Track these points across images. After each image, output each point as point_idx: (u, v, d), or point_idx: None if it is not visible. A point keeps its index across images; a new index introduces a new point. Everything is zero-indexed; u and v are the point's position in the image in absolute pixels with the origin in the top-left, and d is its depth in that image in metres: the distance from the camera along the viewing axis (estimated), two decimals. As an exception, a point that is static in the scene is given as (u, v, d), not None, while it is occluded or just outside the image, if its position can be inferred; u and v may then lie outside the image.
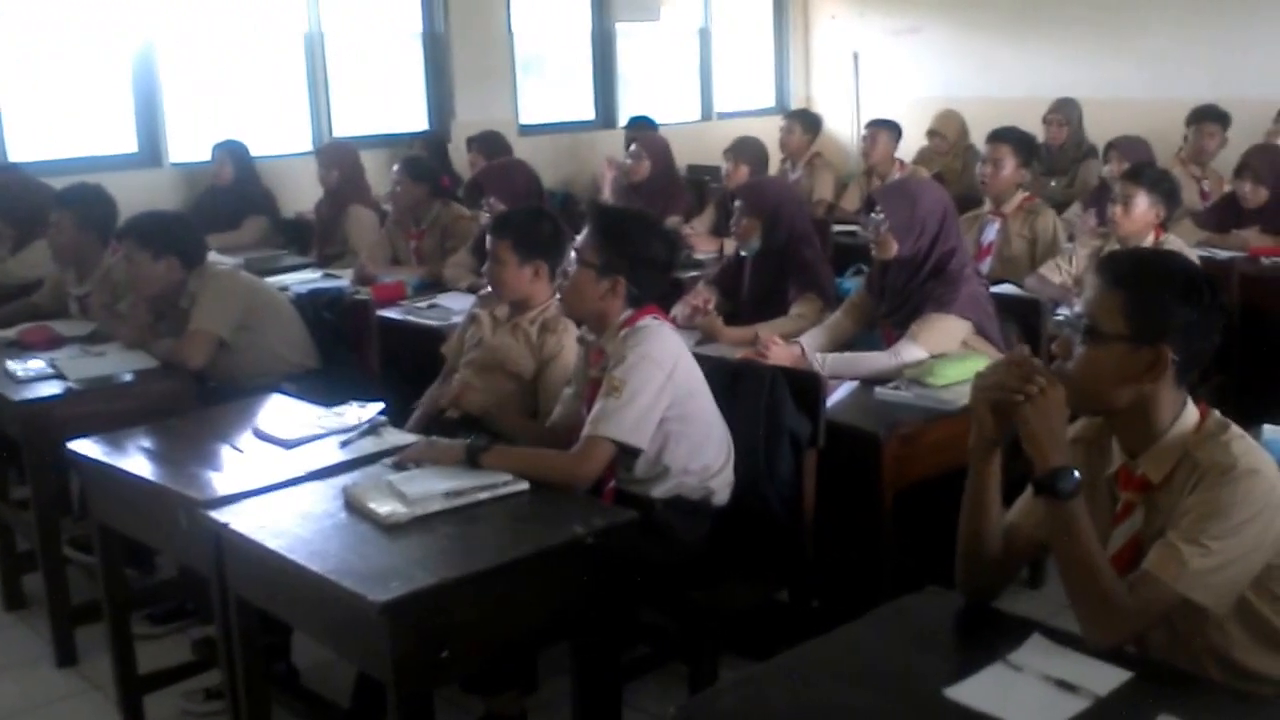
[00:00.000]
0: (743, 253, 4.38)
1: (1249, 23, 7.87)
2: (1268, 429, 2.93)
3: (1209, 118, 6.89)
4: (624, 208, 3.19)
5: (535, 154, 7.18)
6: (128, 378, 4.02)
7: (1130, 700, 1.87)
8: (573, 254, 3.09)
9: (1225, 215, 5.60)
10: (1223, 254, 5.18)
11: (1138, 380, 2.03)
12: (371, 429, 3.19)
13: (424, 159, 6.21)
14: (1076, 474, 2.00)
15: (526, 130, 8.28)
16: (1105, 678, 1.92)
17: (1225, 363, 4.81)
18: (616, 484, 3.01)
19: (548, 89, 8.90)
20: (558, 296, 3.25)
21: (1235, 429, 2.07)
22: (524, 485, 2.75)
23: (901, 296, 3.82)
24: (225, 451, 3.14)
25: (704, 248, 5.78)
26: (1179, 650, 2.08)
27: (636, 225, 3.11)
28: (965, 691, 1.90)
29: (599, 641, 2.65)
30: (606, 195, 6.78)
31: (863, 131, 7.56)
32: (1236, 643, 2.06)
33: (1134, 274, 2.06)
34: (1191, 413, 2.09)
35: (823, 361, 3.67)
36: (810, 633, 2.17)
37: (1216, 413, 2.11)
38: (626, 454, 2.94)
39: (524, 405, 3.53)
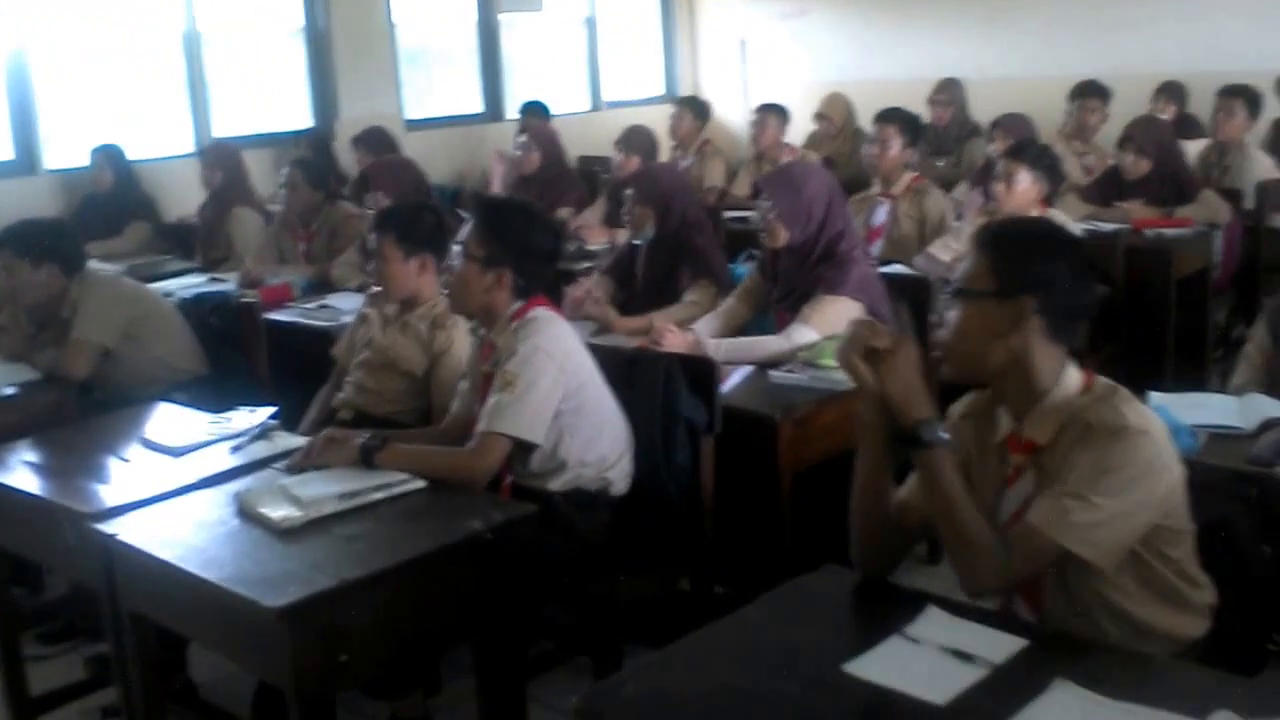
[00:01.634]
0: (636, 241, 4.37)
1: (1129, 5, 8.05)
2: (1154, 396, 3.01)
3: (1090, 94, 7.04)
4: (506, 199, 3.19)
5: (424, 149, 7.11)
6: (9, 390, 3.92)
7: (1026, 667, 1.90)
8: (457, 248, 3.05)
9: (1109, 189, 5.73)
10: (1107, 227, 5.28)
11: (1006, 334, 2.09)
12: (263, 433, 3.14)
13: (317, 162, 6.10)
14: (940, 426, 2.06)
15: (414, 125, 8.19)
16: (1001, 646, 1.95)
17: (1113, 333, 4.92)
18: (513, 479, 2.98)
19: (434, 83, 8.81)
20: (445, 291, 3.22)
21: (1124, 392, 2.12)
22: (420, 483, 2.72)
23: (793, 281, 3.84)
24: (112, 462, 3.06)
25: (597, 238, 5.77)
26: (1076, 608, 2.12)
27: (519, 216, 3.09)
28: (864, 666, 1.92)
29: (501, 638, 2.63)
30: (497, 188, 6.74)
31: (751, 117, 7.60)
32: (1132, 598, 2.11)
33: (998, 235, 2.17)
34: (1074, 375, 2.14)
35: (717, 347, 3.68)
36: (713, 618, 2.17)
37: (1104, 378, 2.16)
38: (522, 448, 2.92)
39: (417, 403, 3.49)
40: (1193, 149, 6.44)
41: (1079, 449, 2.05)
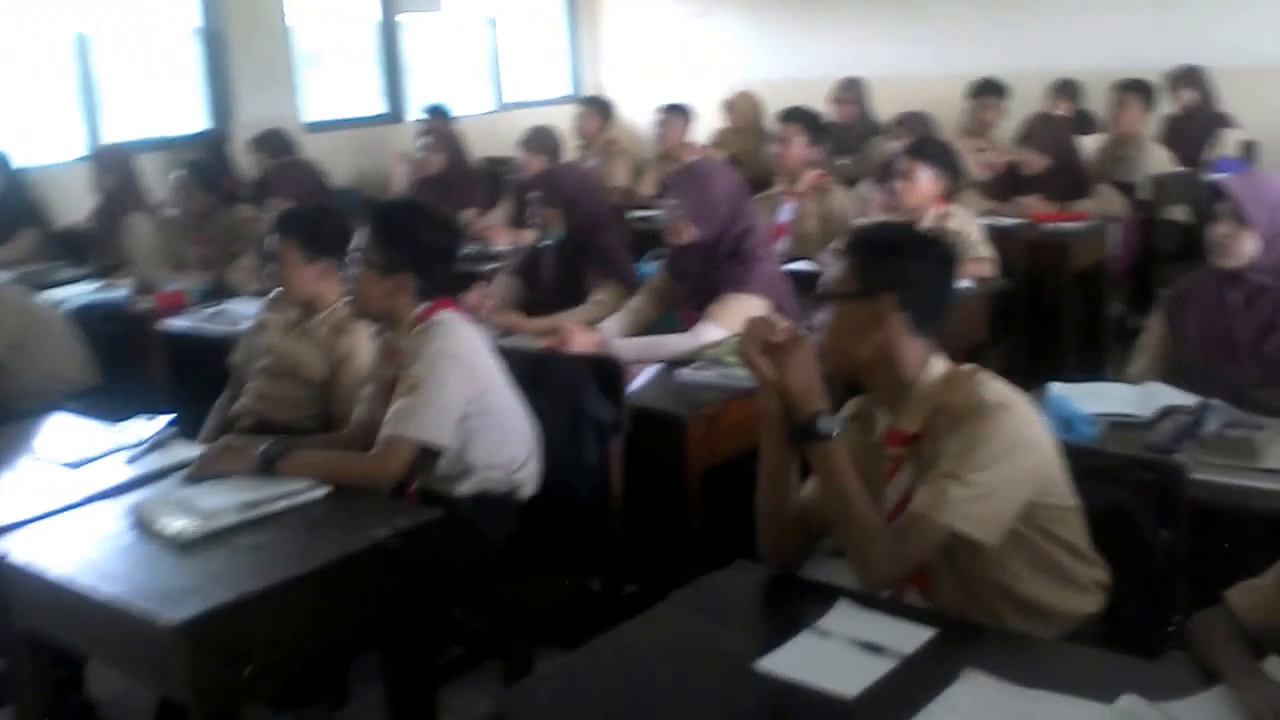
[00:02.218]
0: (544, 243, 4.34)
1: (1027, 2, 8.20)
2: (1054, 386, 3.06)
3: (988, 92, 7.17)
4: (400, 201, 3.15)
5: (324, 151, 7.00)
6: (-111, 406, 3.77)
7: (935, 656, 1.92)
8: (355, 255, 2.99)
9: (1007, 185, 5.82)
10: (1007, 222, 5.36)
11: (870, 331, 2.18)
12: (160, 443, 3.06)
13: (209, 164, 5.97)
14: (834, 419, 2.11)
15: (313, 127, 8.06)
16: (910, 637, 1.96)
17: (1013, 326, 5.00)
18: (419, 484, 2.94)
19: (334, 84, 8.69)
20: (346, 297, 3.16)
21: (984, 374, 2.20)
22: (323, 491, 2.67)
23: (699, 279, 3.84)
24: (2, 477, 2.96)
25: (502, 239, 5.72)
26: (972, 596, 2.16)
27: (415, 218, 3.04)
28: (775, 662, 1.92)
29: (410, 645, 2.59)
30: (399, 191, 6.66)
31: (656, 117, 7.61)
32: (1022, 579, 2.16)
33: (860, 239, 2.29)
34: (938, 364, 2.22)
35: (624, 347, 3.67)
36: (624, 618, 2.16)
37: (967, 365, 2.23)
38: (428, 453, 2.88)
39: (318, 410, 3.43)
40: (1089, 144, 6.58)
41: (946, 433, 2.12)
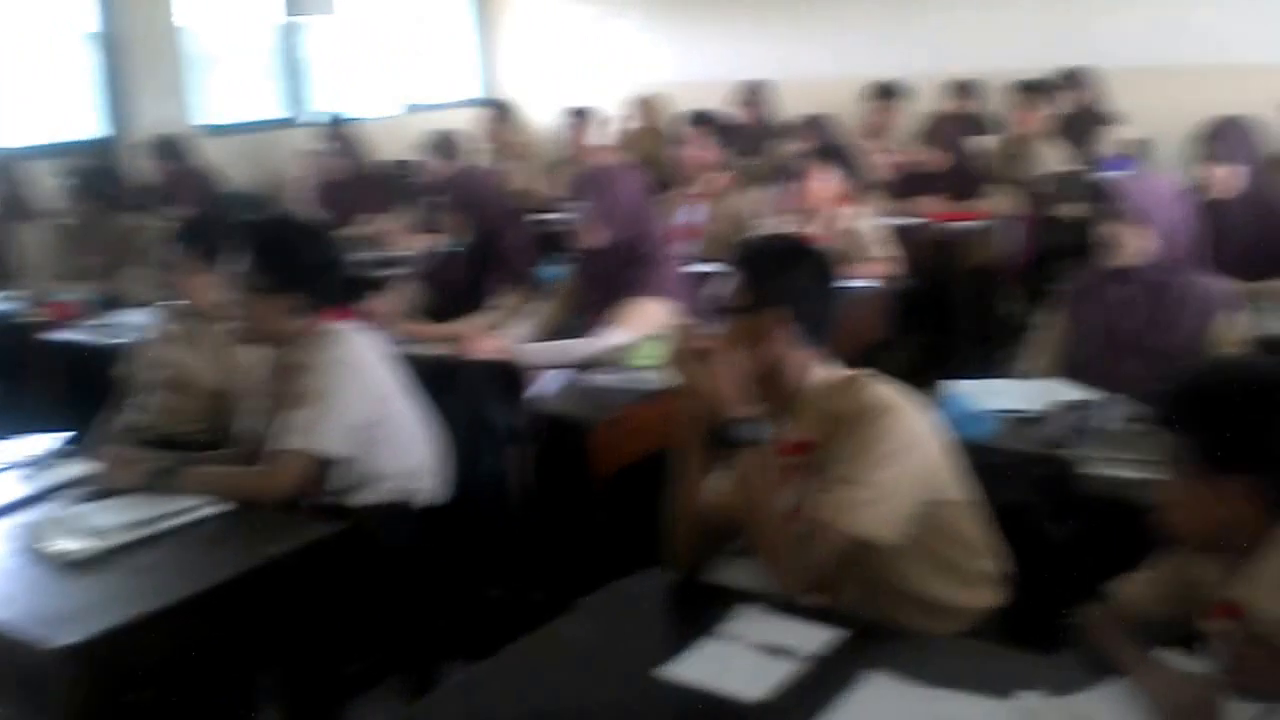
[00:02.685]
0: (452, 247, 4.30)
1: (924, 4, 8.32)
2: (954, 383, 3.10)
3: (885, 93, 7.26)
4: (276, 219, 3.08)
5: (223, 156, 6.90)
6: None
7: (839, 658, 1.93)
8: (237, 279, 2.93)
9: (908, 185, 5.90)
10: (907, 222, 5.43)
11: (765, 342, 2.21)
12: (52, 459, 2.98)
13: (102, 171, 5.83)
14: (755, 425, 2.13)
15: (211, 131, 7.90)
16: (814, 638, 1.97)
17: (914, 324, 5.06)
18: (317, 496, 2.88)
19: (232, 87, 8.54)
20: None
21: (871, 378, 2.24)
22: (218, 507, 2.61)
23: (606, 282, 3.83)
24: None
25: (406, 244, 5.66)
26: (873, 596, 2.19)
27: (293, 235, 2.98)
28: (680, 668, 1.92)
29: (310, 663, 2.55)
30: (302, 196, 6.57)
31: (563, 120, 7.59)
32: (921, 576, 2.20)
33: (747, 252, 2.33)
34: (828, 371, 2.26)
35: (530, 352, 3.64)
36: (532, 626, 2.15)
37: (855, 370, 2.27)
38: (325, 464, 2.83)
39: (217, 422, 3.36)
40: (986, 143, 6.69)
41: (839, 439, 2.16)
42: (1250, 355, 1.99)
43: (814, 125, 6.50)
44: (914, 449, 2.15)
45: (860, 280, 4.43)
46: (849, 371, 2.27)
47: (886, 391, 2.20)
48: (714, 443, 2.16)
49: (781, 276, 2.24)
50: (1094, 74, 7.25)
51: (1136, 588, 2.00)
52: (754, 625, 2.03)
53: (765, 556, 2.14)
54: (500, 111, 7.74)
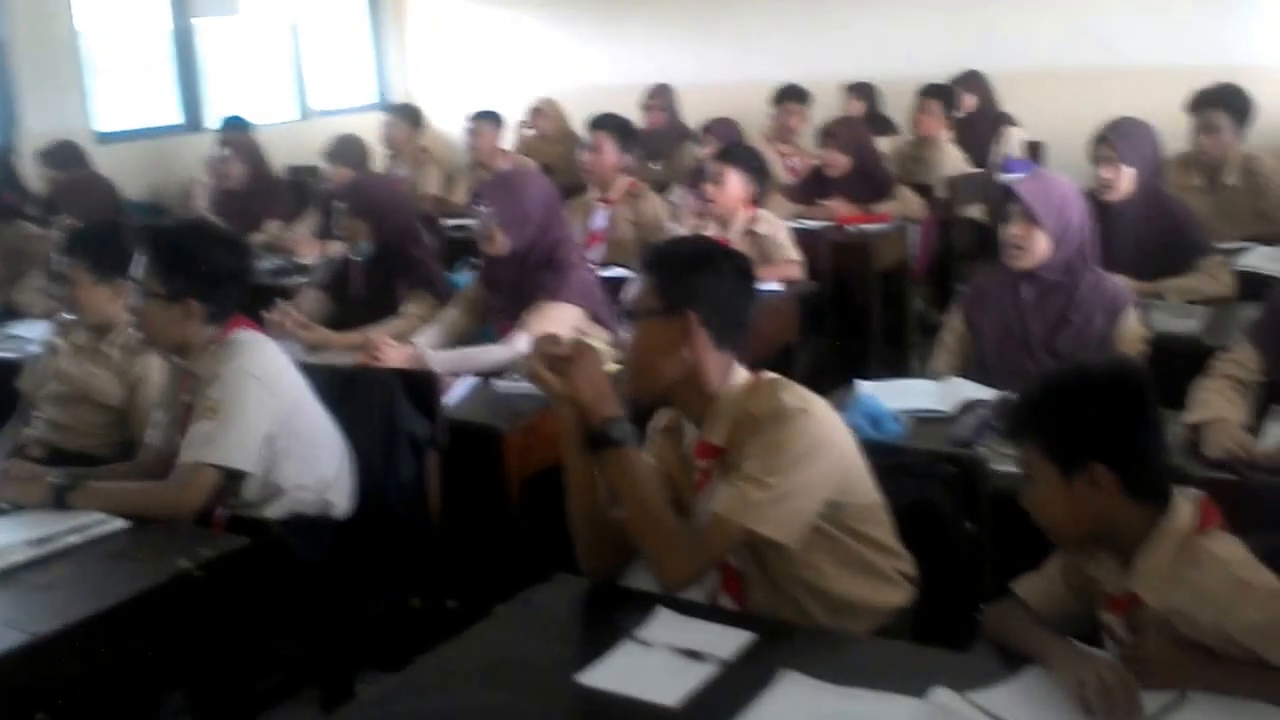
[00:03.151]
0: (352, 255, 4.25)
1: (825, 7, 8.42)
2: (861, 384, 3.13)
3: (790, 97, 7.32)
4: (179, 225, 3.00)
5: (117, 163, 6.71)
6: None
7: (753, 660, 1.94)
8: (135, 285, 2.86)
9: (812, 188, 5.95)
10: (813, 224, 5.49)
11: (676, 348, 2.20)
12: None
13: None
14: (627, 425, 2.14)
15: (106, 138, 7.72)
16: (728, 641, 1.98)
17: (820, 326, 5.11)
18: (226, 510, 2.83)
19: (128, 93, 8.35)
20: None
21: (782, 380, 2.25)
22: (121, 523, 2.55)
23: (514, 288, 3.82)
24: None
25: (309, 252, 5.58)
26: (783, 597, 2.21)
27: (195, 241, 2.91)
28: (596, 674, 1.92)
29: (221, 679, 2.50)
30: (201, 204, 6.45)
31: (467, 125, 7.55)
32: (829, 576, 2.21)
33: (658, 256, 2.30)
34: (741, 375, 2.26)
35: (439, 359, 3.61)
36: (447, 636, 2.13)
37: (768, 373, 2.28)
38: (233, 477, 2.78)
39: (116, 436, 3.28)
40: (887, 146, 6.79)
41: (750, 439, 2.16)
42: (1079, 362, 2.10)
43: (720, 129, 6.54)
44: (822, 452, 2.16)
45: (769, 283, 4.46)
46: (762, 375, 2.27)
47: (798, 394, 2.21)
48: (588, 448, 2.16)
49: (693, 279, 2.22)
50: (991, 78, 7.38)
51: (1038, 583, 2.05)
52: (670, 629, 2.03)
53: (644, 551, 2.15)
54: (404, 116, 7.66)
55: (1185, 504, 1.88)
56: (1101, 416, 1.89)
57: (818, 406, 2.21)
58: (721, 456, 2.22)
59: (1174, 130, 4.66)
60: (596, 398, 2.12)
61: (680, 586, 2.13)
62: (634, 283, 2.28)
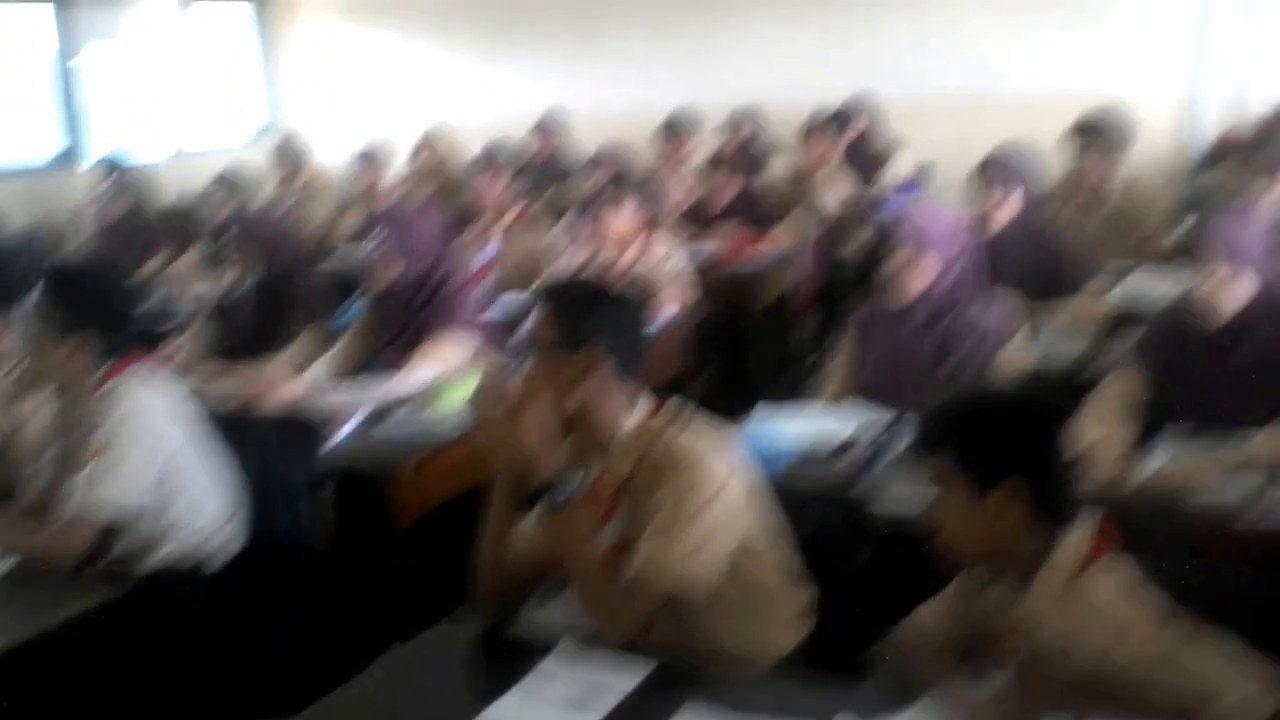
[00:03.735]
0: (240, 288, 4.18)
1: (713, 37, 8.50)
2: (752, 414, 3.15)
3: (679, 126, 7.38)
4: (71, 261, 2.92)
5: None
6: None
7: (655, 693, 1.95)
8: (24, 321, 2.79)
9: (703, 216, 6.00)
10: (703, 252, 5.52)
11: (577, 383, 2.19)
12: None
13: None
14: (568, 484, 2.13)
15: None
16: (630, 675, 1.99)
17: (710, 355, 5.14)
18: (110, 555, 2.75)
19: (7, 128, 8.10)
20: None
21: (684, 417, 2.25)
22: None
23: (406, 320, 3.79)
24: None
25: (195, 286, 5.46)
26: (683, 634, 2.19)
27: (83, 279, 2.86)
28: (497, 714, 1.90)
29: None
30: (83, 240, 6.29)
31: (354, 157, 7.47)
32: (730, 617, 2.21)
33: (558, 291, 2.32)
34: (642, 409, 2.26)
35: (330, 393, 3.56)
36: (340, 679, 2.09)
37: (669, 405, 2.28)
38: (116, 523, 2.70)
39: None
40: (776, 175, 6.87)
41: (655, 485, 2.16)
42: (989, 383, 2.14)
43: (610, 158, 6.57)
44: (725, 493, 2.16)
45: (659, 313, 4.48)
46: (661, 412, 2.27)
47: (697, 434, 2.22)
48: (524, 503, 2.14)
49: (596, 316, 2.22)
50: (875, 106, 7.52)
51: (932, 614, 2.08)
52: (567, 668, 2.03)
53: (590, 610, 2.14)
54: (290, 148, 7.57)
55: (1080, 530, 1.90)
56: (1019, 434, 1.92)
57: (720, 445, 2.22)
58: (621, 492, 2.22)
59: (1052, 156, 4.79)
60: (534, 457, 2.11)
61: (622, 641, 2.10)
62: (533, 316, 2.26)
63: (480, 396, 2.16)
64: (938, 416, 2.00)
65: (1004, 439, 1.92)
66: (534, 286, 4.74)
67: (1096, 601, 1.84)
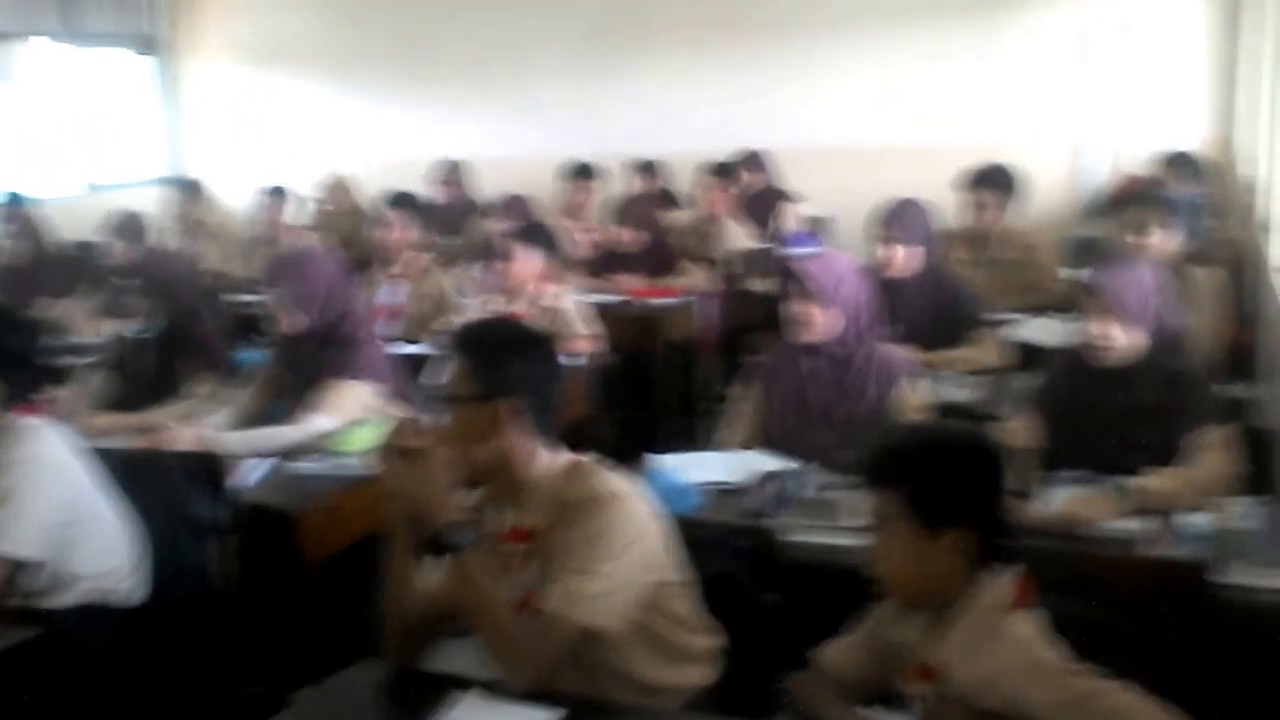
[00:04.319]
0: (140, 333, 4.12)
1: (613, 86, 8.62)
2: (655, 458, 3.19)
3: (580, 174, 7.46)
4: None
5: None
6: None
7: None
8: None
9: (604, 263, 6.06)
10: (605, 299, 5.57)
11: (494, 434, 2.19)
12: None
13: None
14: (466, 529, 2.11)
15: None
16: (539, 720, 1.98)
17: (613, 399, 5.18)
18: (13, 600, 2.70)
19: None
20: None
21: (592, 464, 2.26)
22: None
23: (305, 366, 3.77)
24: None
25: (89, 330, 5.37)
26: (591, 681, 2.19)
27: None
28: (406, 761, 1.89)
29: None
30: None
31: (258, 198, 7.41)
32: (636, 660, 2.22)
33: (475, 339, 2.26)
34: (556, 458, 2.26)
35: (231, 440, 3.52)
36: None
37: (577, 455, 2.28)
38: (21, 566, 2.67)
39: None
40: (678, 221, 6.97)
41: (567, 527, 2.16)
42: (940, 420, 2.13)
43: (514, 205, 6.60)
44: (640, 537, 2.17)
45: (564, 357, 4.50)
46: (573, 457, 2.27)
47: (613, 478, 2.22)
48: (424, 548, 2.13)
49: (510, 365, 2.20)
50: (774, 154, 7.67)
51: (841, 652, 2.11)
52: (473, 713, 2.02)
53: (494, 655, 2.11)
54: (190, 190, 7.49)
55: (1003, 578, 1.93)
56: (971, 482, 1.93)
57: (632, 490, 2.22)
58: (535, 540, 2.22)
59: (945, 205, 4.93)
60: (434, 499, 2.08)
61: (531, 686, 2.07)
62: (449, 365, 2.24)
63: (386, 443, 2.12)
64: (891, 450, 1.99)
65: (957, 482, 1.92)
66: (441, 331, 4.75)
67: (1016, 641, 1.86)
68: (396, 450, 2.09)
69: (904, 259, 4.23)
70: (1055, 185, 7.43)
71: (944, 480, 1.92)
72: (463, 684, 2.11)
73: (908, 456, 1.96)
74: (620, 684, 2.21)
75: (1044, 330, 4.38)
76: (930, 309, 4.23)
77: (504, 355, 2.21)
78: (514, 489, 2.24)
